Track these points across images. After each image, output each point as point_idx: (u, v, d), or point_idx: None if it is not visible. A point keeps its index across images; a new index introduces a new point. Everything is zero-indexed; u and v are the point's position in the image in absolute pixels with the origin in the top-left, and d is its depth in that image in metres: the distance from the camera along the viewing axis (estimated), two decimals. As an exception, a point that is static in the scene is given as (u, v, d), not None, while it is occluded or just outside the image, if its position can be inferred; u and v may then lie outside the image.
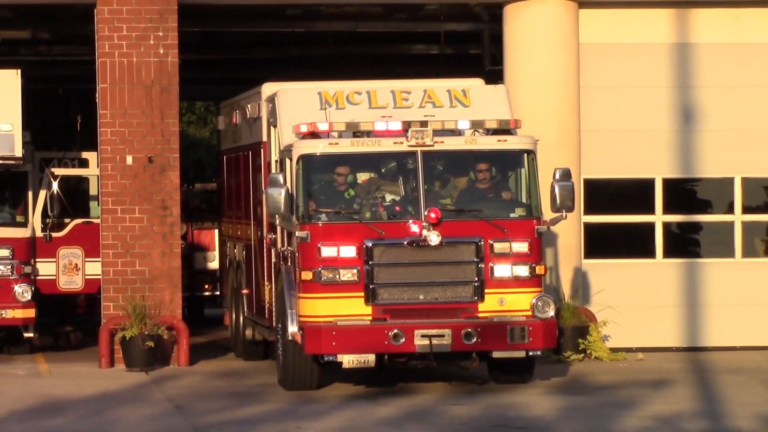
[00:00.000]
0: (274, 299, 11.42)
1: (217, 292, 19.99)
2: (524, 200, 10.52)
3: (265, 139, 11.94)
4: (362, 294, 9.87)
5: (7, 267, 15.57)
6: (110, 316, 14.40)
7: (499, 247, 10.03)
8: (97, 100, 14.87)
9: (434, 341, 9.70)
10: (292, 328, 10.10)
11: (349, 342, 9.70)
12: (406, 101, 11.13)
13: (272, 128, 11.47)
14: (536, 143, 10.43)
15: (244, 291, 13.48)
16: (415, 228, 9.71)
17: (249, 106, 12.83)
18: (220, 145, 16.36)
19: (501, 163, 10.56)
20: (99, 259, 15.13)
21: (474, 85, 11.92)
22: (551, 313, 10.13)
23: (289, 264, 10.53)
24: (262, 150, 12.01)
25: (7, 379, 13.97)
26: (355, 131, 10.04)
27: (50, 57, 20.37)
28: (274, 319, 11.37)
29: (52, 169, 16.47)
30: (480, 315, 9.95)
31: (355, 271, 9.85)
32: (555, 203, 10.15)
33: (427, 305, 10.09)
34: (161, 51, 14.60)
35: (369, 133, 10.02)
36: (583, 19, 14.32)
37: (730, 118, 14.39)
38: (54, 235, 16.21)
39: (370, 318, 9.85)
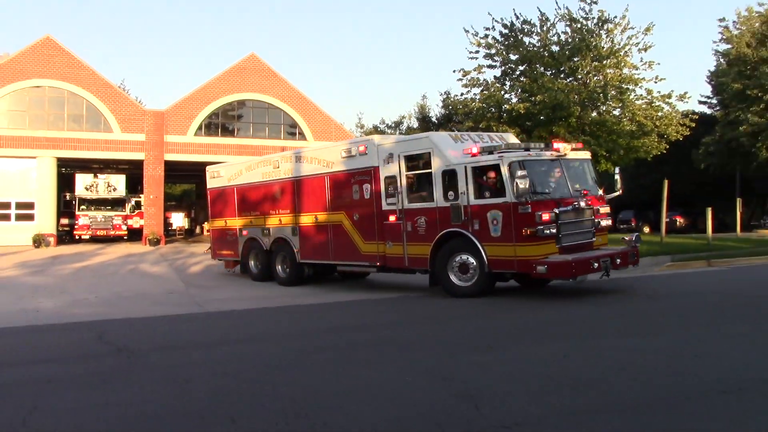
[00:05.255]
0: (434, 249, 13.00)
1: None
2: (596, 186, 13.24)
3: (375, 165, 13.78)
4: (554, 241, 12.08)
5: None
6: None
7: (600, 210, 13.05)
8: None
9: (602, 263, 12.14)
10: (484, 261, 12.21)
11: (558, 270, 11.78)
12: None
13: (386, 160, 13.53)
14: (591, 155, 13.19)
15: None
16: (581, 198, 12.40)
17: (359, 148, 14.18)
18: None
19: (587, 164, 13.39)
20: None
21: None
22: (639, 244, 13.34)
23: (481, 228, 12.23)
24: (374, 171, 13.80)
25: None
26: (519, 147, 12.55)
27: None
28: (435, 262, 13.00)
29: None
30: (594, 247, 12.78)
31: (553, 227, 12.02)
32: (615, 187, 13.49)
33: (579, 243, 12.54)
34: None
35: (539, 150, 12.58)
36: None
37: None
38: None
39: (558, 254, 12.10)
